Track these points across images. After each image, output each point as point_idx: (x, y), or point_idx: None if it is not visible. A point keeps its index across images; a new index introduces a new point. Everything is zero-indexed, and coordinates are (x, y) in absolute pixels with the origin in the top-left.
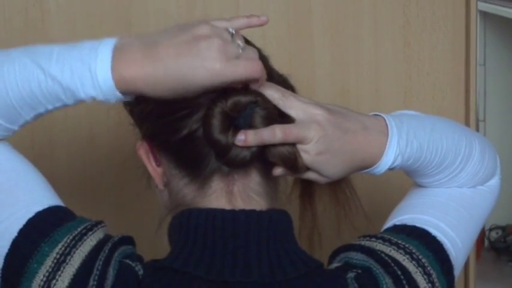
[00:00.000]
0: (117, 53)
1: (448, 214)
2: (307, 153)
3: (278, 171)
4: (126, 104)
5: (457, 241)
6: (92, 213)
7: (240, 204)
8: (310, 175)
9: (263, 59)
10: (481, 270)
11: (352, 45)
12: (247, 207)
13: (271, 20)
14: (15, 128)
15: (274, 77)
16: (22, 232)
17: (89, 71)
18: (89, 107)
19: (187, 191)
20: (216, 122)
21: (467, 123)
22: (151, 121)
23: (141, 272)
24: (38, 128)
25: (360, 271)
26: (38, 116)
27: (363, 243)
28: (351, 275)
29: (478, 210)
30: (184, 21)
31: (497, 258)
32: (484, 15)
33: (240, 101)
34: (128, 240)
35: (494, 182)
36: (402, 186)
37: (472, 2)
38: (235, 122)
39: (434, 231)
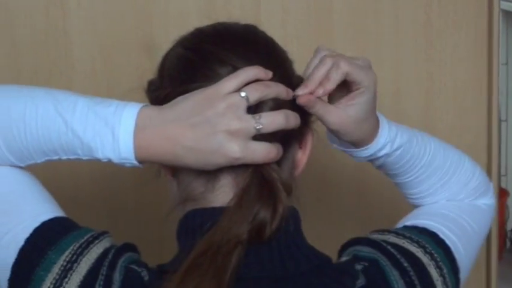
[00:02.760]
0: (139, 130)
1: (449, 222)
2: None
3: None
4: (148, 91)
5: (459, 246)
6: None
7: None
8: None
9: (287, 62)
10: (503, 271)
11: (374, 44)
12: None
13: (291, 18)
14: (22, 165)
15: (294, 83)
16: (29, 241)
17: (112, 135)
18: None
19: (195, 185)
20: None
21: (489, 123)
22: None
23: (146, 278)
24: None
25: (366, 264)
26: (48, 161)
27: (372, 236)
28: (358, 267)
29: (477, 224)
30: (205, 23)
31: None
32: (507, 14)
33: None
34: (131, 247)
35: (489, 202)
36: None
37: (495, 0)
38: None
39: (441, 235)
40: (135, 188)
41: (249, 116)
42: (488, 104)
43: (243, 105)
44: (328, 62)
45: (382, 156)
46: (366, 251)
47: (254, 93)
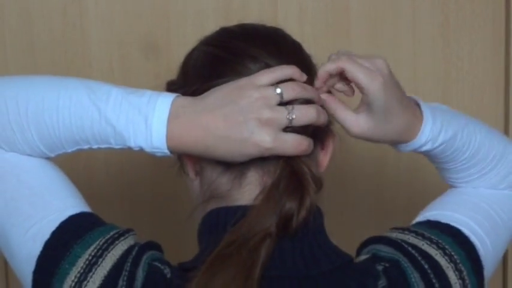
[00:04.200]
0: (172, 119)
1: (479, 214)
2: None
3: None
4: (171, 90)
5: (486, 241)
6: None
7: None
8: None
9: (313, 66)
10: None
11: (391, 43)
12: None
13: (309, 17)
14: (52, 155)
15: (314, 74)
16: (55, 234)
17: (145, 124)
18: None
19: (221, 181)
20: None
21: (506, 123)
22: None
23: (169, 275)
24: None
25: (387, 264)
26: (78, 151)
27: (393, 235)
28: (378, 267)
29: (507, 214)
30: (222, 23)
31: None
32: None
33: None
34: (155, 246)
35: None
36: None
37: None
38: None
39: (466, 231)
40: (152, 184)
41: (282, 107)
42: (505, 104)
43: (276, 100)
44: (332, 57)
45: (423, 151)
46: (386, 250)
47: (290, 93)
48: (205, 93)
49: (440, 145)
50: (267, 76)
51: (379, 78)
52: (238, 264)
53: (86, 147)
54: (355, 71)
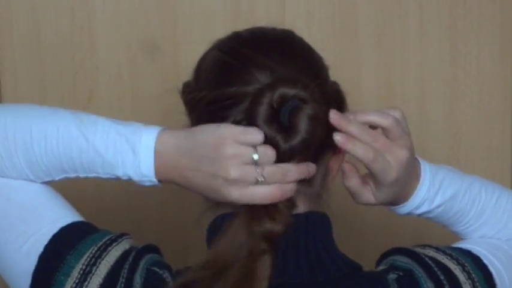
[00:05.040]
0: (157, 155)
1: (498, 251)
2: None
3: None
4: (184, 93)
5: (504, 275)
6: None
7: None
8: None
9: (323, 69)
10: None
11: (398, 46)
12: None
13: (316, 20)
14: (38, 181)
15: (328, 89)
16: (48, 247)
17: (133, 152)
18: None
19: None
20: (262, 111)
21: None
22: (201, 107)
23: (169, 280)
24: None
25: (401, 273)
26: (65, 179)
27: (412, 248)
28: (392, 276)
29: None
30: (230, 25)
31: None
32: None
33: (287, 94)
34: (152, 249)
35: None
36: None
37: None
38: (279, 116)
39: (485, 260)
40: (159, 194)
41: (252, 168)
42: None
43: (249, 160)
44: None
45: (422, 213)
46: (402, 261)
47: (266, 161)
48: (191, 131)
49: (438, 206)
50: (252, 136)
51: (393, 175)
52: (234, 277)
53: (72, 175)
54: (373, 168)
